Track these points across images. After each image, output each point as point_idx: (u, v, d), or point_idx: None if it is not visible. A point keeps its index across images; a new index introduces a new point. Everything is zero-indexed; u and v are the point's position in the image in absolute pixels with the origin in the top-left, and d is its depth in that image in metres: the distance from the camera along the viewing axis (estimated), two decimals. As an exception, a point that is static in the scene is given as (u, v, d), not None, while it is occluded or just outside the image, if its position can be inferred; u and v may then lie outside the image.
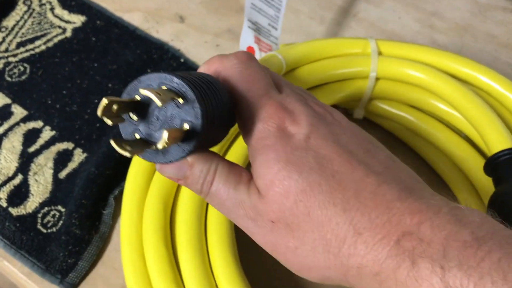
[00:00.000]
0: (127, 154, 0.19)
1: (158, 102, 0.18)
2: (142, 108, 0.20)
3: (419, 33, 0.46)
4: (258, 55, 0.36)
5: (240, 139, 0.32)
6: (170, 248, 0.29)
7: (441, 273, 0.17)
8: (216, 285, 0.27)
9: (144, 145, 0.20)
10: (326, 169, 0.19)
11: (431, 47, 0.37)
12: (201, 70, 0.23)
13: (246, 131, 0.21)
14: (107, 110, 0.19)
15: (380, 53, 0.36)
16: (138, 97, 0.20)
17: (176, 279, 0.28)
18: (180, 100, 0.19)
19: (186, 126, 0.19)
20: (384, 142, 0.38)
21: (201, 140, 0.19)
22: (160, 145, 0.18)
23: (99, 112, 0.19)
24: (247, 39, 0.37)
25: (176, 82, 0.19)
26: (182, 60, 0.42)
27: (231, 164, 0.22)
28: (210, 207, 0.30)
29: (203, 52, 0.43)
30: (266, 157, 0.20)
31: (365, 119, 0.39)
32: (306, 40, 0.37)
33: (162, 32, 0.44)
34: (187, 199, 0.30)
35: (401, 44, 0.36)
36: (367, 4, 0.48)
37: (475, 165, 0.34)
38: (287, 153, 0.20)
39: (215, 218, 0.29)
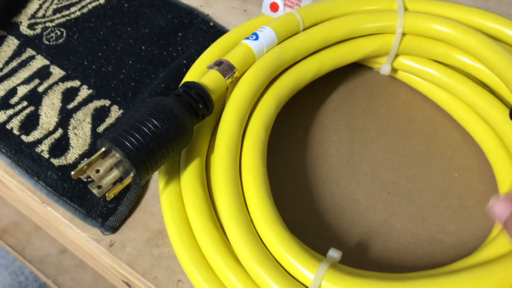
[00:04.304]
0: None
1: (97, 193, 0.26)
2: None
3: (443, -2, 0.47)
4: (283, 11, 0.37)
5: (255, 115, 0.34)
6: (206, 189, 0.31)
7: None
8: (252, 221, 0.29)
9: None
10: None
11: (458, 3, 0.37)
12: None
13: None
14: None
15: (406, 9, 0.37)
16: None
17: (213, 217, 0.29)
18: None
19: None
20: (410, 101, 0.39)
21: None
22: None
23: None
24: (272, -5, 0.37)
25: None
26: (211, 24, 0.44)
27: None
28: (244, 150, 0.31)
29: (231, 17, 0.45)
30: None
31: (391, 77, 0.40)
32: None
33: (192, -2, 0.46)
34: (222, 145, 0.31)
35: (428, 1, 0.37)
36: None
37: (501, 116, 0.35)
38: None
39: (249, 160, 0.30)
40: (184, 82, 0.30)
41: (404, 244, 0.33)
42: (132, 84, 0.40)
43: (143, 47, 0.42)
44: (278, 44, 0.34)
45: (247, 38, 0.33)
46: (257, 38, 0.33)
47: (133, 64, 0.41)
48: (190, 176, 0.30)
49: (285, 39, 0.34)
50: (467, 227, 0.33)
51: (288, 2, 0.36)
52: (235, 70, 0.31)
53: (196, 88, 0.29)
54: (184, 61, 0.40)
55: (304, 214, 0.33)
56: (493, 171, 0.35)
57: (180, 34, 0.43)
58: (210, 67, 0.31)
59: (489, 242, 0.31)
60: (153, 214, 0.34)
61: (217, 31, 0.43)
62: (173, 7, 0.45)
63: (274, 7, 0.37)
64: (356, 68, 0.41)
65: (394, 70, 0.40)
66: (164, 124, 0.26)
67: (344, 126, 0.38)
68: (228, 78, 0.31)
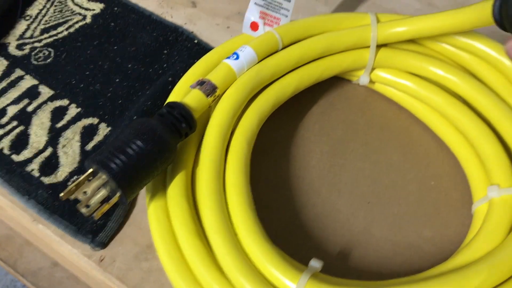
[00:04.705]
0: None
1: (85, 213, 0.27)
2: None
3: (419, 11, 0.49)
4: (262, 30, 0.38)
5: (245, 118, 0.35)
6: (192, 204, 0.32)
7: None
8: (236, 233, 0.30)
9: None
10: None
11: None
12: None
13: None
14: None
15: (379, 21, 0.38)
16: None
17: (198, 231, 0.31)
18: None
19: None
20: (387, 111, 0.41)
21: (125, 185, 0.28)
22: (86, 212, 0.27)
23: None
24: (252, 15, 0.39)
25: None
26: (196, 41, 0.45)
27: None
28: (227, 165, 0.32)
29: (215, 33, 0.46)
30: None
31: (368, 89, 0.42)
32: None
33: (176, 16, 0.47)
34: (205, 161, 0.32)
35: (401, 16, 0.39)
36: (368, -15, 0.50)
37: (473, 125, 0.36)
38: None
39: (232, 174, 0.32)
40: (168, 102, 0.31)
41: (383, 252, 0.34)
42: (120, 102, 0.41)
43: (130, 65, 0.43)
44: (258, 62, 0.35)
45: (228, 58, 0.34)
46: (237, 58, 0.34)
47: (120, 82, 0.42)
48: (175, 191, 0.32)
49: (265, 57, 0.36)
50: (443, 233, 0.35)
51: (268, 21, 0.38)
52: (216, 89, 0.33)
53: (179, 108, 0.30)
54: (170, 79, 0.41)
55: (287, 225, 0.34)
56: (467, 179, 0.37)
57: (165, 51, 0.44)
58: (192, 87, 0.33)
59: (464, 247, 0.32)
60: (141, 229, 0.35)
61: (202, 48, 0.45)
62: (158, 25, 0.46)
63: (254, 26, 0.38)
64: (335, 81, 0.42)
65: (371, 82, 0.41)
66: (148, 145, 0.27)
67: (325, 138, 0.39)
68: (210, 96, 0.32)
